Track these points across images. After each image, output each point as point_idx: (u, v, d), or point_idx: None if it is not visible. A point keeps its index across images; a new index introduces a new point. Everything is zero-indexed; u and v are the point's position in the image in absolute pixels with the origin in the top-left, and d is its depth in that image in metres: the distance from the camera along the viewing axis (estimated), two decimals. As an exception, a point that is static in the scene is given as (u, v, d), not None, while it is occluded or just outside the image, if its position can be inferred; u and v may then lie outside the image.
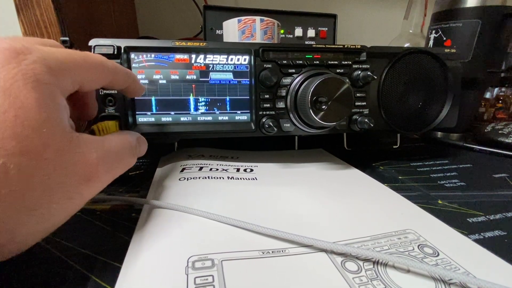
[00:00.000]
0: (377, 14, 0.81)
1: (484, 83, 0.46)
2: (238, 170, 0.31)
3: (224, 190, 0.26)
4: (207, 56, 0.29)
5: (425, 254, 0.18)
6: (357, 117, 0.32)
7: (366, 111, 0.33)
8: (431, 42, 0.48)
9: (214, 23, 0.54)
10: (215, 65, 0.30)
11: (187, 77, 0.29)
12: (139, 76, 0.28)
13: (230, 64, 0.30)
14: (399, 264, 0.17)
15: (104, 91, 0.27)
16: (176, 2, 0.69)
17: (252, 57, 0.30)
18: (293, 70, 0.31)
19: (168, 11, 0.70)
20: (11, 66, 0.13)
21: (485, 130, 0.45)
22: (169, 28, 0.70)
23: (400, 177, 0.32)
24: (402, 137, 0.43)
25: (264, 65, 0.30)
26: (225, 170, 0.30)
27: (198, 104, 0.30)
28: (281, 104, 0.31)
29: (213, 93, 0.30)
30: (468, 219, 0.23)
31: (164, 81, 0.29)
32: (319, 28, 0.58)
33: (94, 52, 0.26)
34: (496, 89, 0.55)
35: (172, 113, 0.30)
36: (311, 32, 0.58)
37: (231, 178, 0.28)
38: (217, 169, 0.30)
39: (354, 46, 0.32)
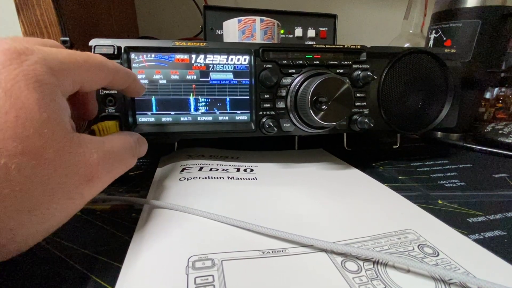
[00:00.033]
0: (377, 14, 0.82)
1: (484, 83, 0.46)
2: (238, 170, 0.31)
3: (224, 190, 0.26)
4: (207, 56, 0.29)
5: (425, 254, 0.18)
6: (357, 117, 0.32)
7: (366, 111, 0.33)
8: (431, 42, 0.48)
9: (214, 23, 0.54)
10: (215, 65, 0.30)
11: (187, 77, 0.29)
12: (139, 76, 0.28)
13: (230, 64, 0.30)
14: (399, 264, 0.17)
15: (104, 91, 0.27)
16: (176, 2, 0.69)
17: (252, 57, 0.30)
18: (293, 70, 0.31)
19: (168, 11, 0.70)
20: (13, 67, 0.13)
21: (485, 130, 0.45)
22: (169, 28, 0.71)
23: (400, 177, 0.32)
24: (402, 137, 0.43)
25: (264, 65, 0.30)
26: (225, 170, 0.30)
27: (198, 104, 0.30)
28: (281, 104, 0.31)
29: (213, 93, 0.30)
30: (468, 219, 0.23)
31: (164, 81, 0.29)
32: (319, 28, 0.58)
33: (94, 52, 0.26)
34: (496, 89, 0.55)
35: (172, 113, 0.30)
36: (311, 32, 0.58)
37: (231, 178, 0.28)
38: (217, 169, 0.30)
39: (354, 46, 0.32)
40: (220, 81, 0.30)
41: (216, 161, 0.33)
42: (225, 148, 0.39)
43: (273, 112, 0.31)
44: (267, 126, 0.30)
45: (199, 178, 0.28)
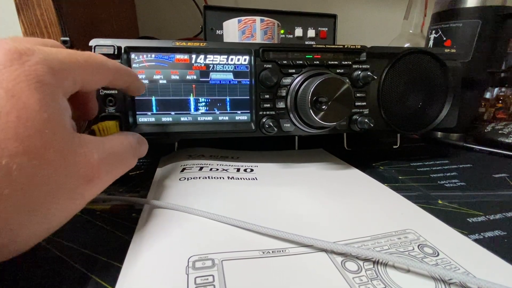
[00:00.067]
0: (377, 14, 0.81)
1: (484, 83, 0.46)
2: (238, 170, 0.31)
3: (224, 190, 0.26)
4: (207, 56, 0.29)
5: (425, 254, 0.18)
6: (357, 117, 0.32)
7: (366, 111, 0.33)
8: (431, 42, 0.48)
9: (214, 23, 0.54)
10: (215, 65, 0.30)
11: (187, 77, 0.29)
12: (139, 76, 0.28)
13: (230, 64, 0.30)
14: (399, 264, 0.17)
15: (105, 91, 0.27)
16: (176, 2, 0.69)
17: (252, 57, 0.30)
18: (293, 70, 0.31)
19: (168, 11, 0.70)
20: (14, 68, 0.13)
21: (485, 130, 0.45)
22: (169, 28, 0.70)
23: (400, 177, 0.32)
24: (402, 137, 0.43)
25: (264, 65, 0.30)
26: (225, 170, 0.30)
27: (198, 104, 0.30)
28: (281, 104, 0.31)
29: (213, 93, 0.30)
30: (468, 219, 0.23)
31: (165, 81, 0.29)
32: (319, 28, 0.58)
33: (94, 52, 0.26)
34: (496, 89, 0.55)
35: (172, 113, 0.30)
36: (311, 32, 0.58)
37: (231, 178, 0.28)
38: (217, 169, 0.30)
39: (354, 46, 0.32)
40: (220, 81, 0.30)
41: (216, 161, 0.33)
42: (225, 148, 0.39)
43: (273, 112, 0.31)
44: (267, 126, 0.30)
45: (199, 178, 0.28)
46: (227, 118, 0.31)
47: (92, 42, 0.27)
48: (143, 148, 0.23)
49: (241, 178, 0.29)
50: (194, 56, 0.29)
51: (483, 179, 0.32)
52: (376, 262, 0.17)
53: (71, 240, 0.20)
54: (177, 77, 0.29)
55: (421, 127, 0.36)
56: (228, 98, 0.31)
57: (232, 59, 0.30)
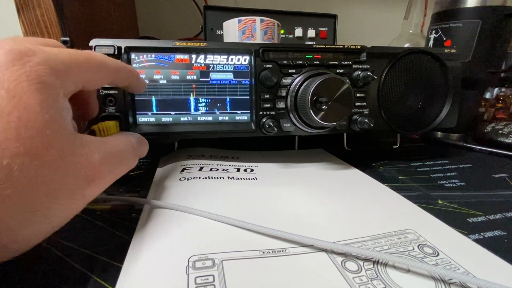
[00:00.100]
0: (377, 14, 0.82)
1: (484, 83, 0.46)
2: (238, 170, 0.31)
3: (224, 190, 0.26)
4: (208, 56, 0.30)
5: (425, 254, 0.18)
6: (357, 117, 0.32)
7: (366, 111, 0.33)
8: (431, 42, 0.48)
9: (214, 23, 0.54)
10: (215, 65, 0.30)
11: (188, 77, 0.29)
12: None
13: (231, 64, 0.30)
14: (399, 264, 0.17)
15: (105, 91, 0.27)
16: (176, 2, 0.69)
17: (252, 57, 0.30)
18: (293, 70, 0.31)
19: (168, 11, 0.70)
20: (15, 68, 0.13)
21: (485, 130, 0.45)
22: (170, 28, 0.71)
23: (400, 177, 0.32)
24: (402, 137, 0.43)
25: (264, 65, 0.30)
26: (226, 170, 0.30)
27: (199, 104, 0.30)
28: (281, 104, 0.31)
29: (214, 93, 0.30)
30: (468, 219, 0.23)
31: (165, 81, 0.29)
32: (319, 28, 0.58)
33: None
34: (496, 89, 0.55)
35: (173, 113, 0.30)
36: (311, 32, 0.58)
37: (231, 178, 0.28)
38: (218, 169, 0.30)
39: (354, 46, 0.32)
40: (220, 81, 0.30)
41: (216, 161, 0.33)
42: (225, 148, 0.39)
43: (273, 112, 0.31)
44: (267, 126, 0.30)
45: (199, 178, 0.28)
46: (227, 118, 0.31)
47: (92, 42, 0.27)
48: (143, 148, 0.23)
49: (241, 178, 0.29)
50: (194, 56, 0.29)
51: (483, 179, 0.32)
52: (376, 262, 0.17)
53: (71, 240, 0.20)
54: (177, 77, 0.29)
55: (421, 127, 0.36)
56: (228, 98, 0.31)
57: (232, 59, 0.30)
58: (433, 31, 0.47)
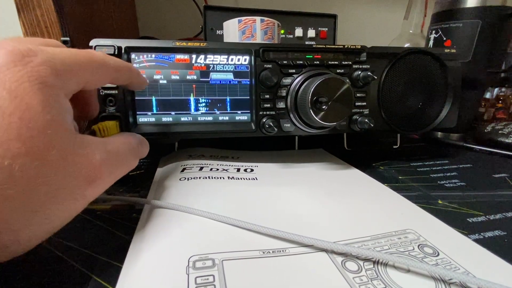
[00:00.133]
0: (377, 14, 0.82)
1: (484, 83, 0.46)
2: (238, 170, 0.31)
3: (225, 190, 0.26)
4: (208, 56, 0.30)
5: (425, 254, 0.18)
6: (357, 117, 0.32)
7: (366, 111, 0.33)
8: (431, 42, 0.48)
9: (214, 23, 0.54)
10: (215, 65, 0.30)
11: (188, 77, 0.29)
12: (139, 76, 0.28)
13: (231, 64, 0.30)
14: (399, 264, 0.17)
15: (105, 91, 0.27)
16: (177, 2, 0.69)
17: (253, 57, 0.30)
18: (294, 70, 0.31)
19: (168, 11, 0.70)
20: (17, 69, 0.13)
21: (485, 130, 0.45)
22: (170, 28, 0.71)
23: (400, 177, 0.32)
24: (402, 137, 0.43)
25: (265, 65, 0.30)
26: (226, 170, 0.30)
27: (199, 104, 0.30)
28: (281, 104, 0.31)
29: (214, 93, 0.30)
30: (468, 219, 0.23)
31: (165, 81, 0.29)
32: (319, 29, 0.58)
33: (94, 52, 0.26)
34: (496, 89, 0.55)
35: (173, 113, 0.30)
36: (311, 32, 0.58)
37: (231, 178, 0.28)
38: (218, 169, 0.30)
39: (354, 46, 0.32)
40: (220, 81, 0.30)
41: (217, 161, 0.33)
42: (226, 148, 0.39)
43: (273, 112, 0.31)
44: (267, 126, 0.30)
45: (200, 178, 0.28)
46: (227, 118, 0.31)
47: (93, 42, 0.27)
48: (144, 149, 0.23)
49: (241, 178, 0.29)
50: (194, 56, 0.29)
51: (483, 179, 0.32)
52: (376, 262, 0.17)
53: (71, 240, 0.20)
54: (177, 77, 0.29)
55: (421, 127, 0.36)
56: (228, 98, 0.31)
57: (232, 59, 0.30)
58: (433, 31, 0.47)
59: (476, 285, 0.15)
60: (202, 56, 0.29)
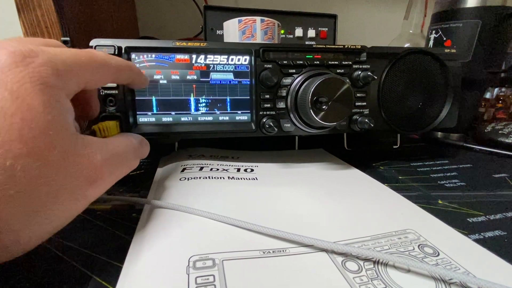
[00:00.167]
0: (377, 14, 0.82)
1: (484, 83, 0.46)
2: (238, 170, 0.31)
3: (225, 190, 0.26)
4: (208, 56, 0.30)
5: (425, 254, 0.18)
6: (358, 117, 0.32)
7: (366, 111, 0.33)
8: (431, 42, 0.48)
9: (214, 23, 0.54)
10: (215, 65, 0.30)
11: (188, 77, 0.29)
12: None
13: (231, 64, 0.30)
14: (399, 264, 0.17)
15: (105, 91, 0.27)
16: (176, 2, 0.69)
17: (253, 57, 0.30)
18: (294, 70, 0.31)
19: (169, 11, 0.70)
20: (19, 70, 0.13)
21: (485, 130, 0.45)
22: (170, 28, 0.71)
23: (400, 177, 0.32)
24: (402, 137, 0.43)
25: (265, 65, 0.30)
26: (226, 170, 0.30)
27: (199, 104, 0.30)
28: (281, 104, 0.31)
29: (214, 93, 0.30)
30: (468, 219, 0.23)
31: (165, 81, 0.29)
32: (319, 29, 0.58)
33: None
34: (496, 89, 0.55)
35: (173, 113, 0.30)
36: (311, 32, 0.58)
37: (231, 178, 0.28)
38: (218, 169, 0.30)
39: (354, 46, 0.32)
40: (220, 81, 0.30)
41: (217, 161, 0.33)
42: (226, 148, 0.39)
43: (274, 112, 0.31)
44: (267, 126, 0.30)
45: (200, 178, 0.28)
46: (227, 118, 0.31)
47: (93, 42, 0.27)
48: (144, 149, 0.23)
49: (241, 178, 0.29)
50: (194, 56, 0.29)
51: (483, 179, 0.32)
52: (376, 262, 0.17)
53: (72, 240, 0.20)
54: (178, 77, 0.29)
55: (421, 127, 0.36)
56: (228, 98, 0.31)
57: (232, 59, 0.30)
58: (433, 31, 0.47)
59: (477, 285, 0.15)
60: (202, 56, 0.29)
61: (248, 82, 0.31)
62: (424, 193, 0.28)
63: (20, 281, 0.16)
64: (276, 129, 0.30)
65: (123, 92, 0.27)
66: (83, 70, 0.17)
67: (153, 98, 0.29)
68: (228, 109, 0.31)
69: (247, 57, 0.30)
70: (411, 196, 0.27)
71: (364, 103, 0.33)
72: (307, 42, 0.58)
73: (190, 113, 0.30)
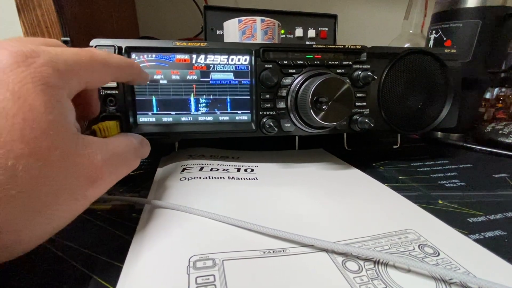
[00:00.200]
0: (377, 14, 0.82)
1: (484, 83, 0.46)
2: (238, 170, 0.31)
3: (225, 190, 0.26)
4: (208, 56, 0.30)
5: (425, 254, 0.18)
6: (358, 117, 0.32)
7: (366, 111, 0.33)
8: (431, 42, 0.48)
9: (214, 23, 0.54)
10: (215, 65, 0.30)
11: (188, 77, 0.29)
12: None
13: (231, 64, 0.30)
14: (399, 264, 0.17)
15: (105, 91, 0.27)
16: (177, 2, 0.69)
17: (253, 57, 0.30)
18: (294, 70, 0.31)
19: (169, 11, 0.70)
20: (20, 70, 0.13)
21: (485, 130, 0.45)
22: (170, 28, 0.71)
23: (400, 177, 0.32)
24: (402, 137, 0.43)
25: (265, 65, 0.30)
26: (226, 170, 0.30)
27: (199, 104, 0.30)
28: (281, 104, 0.31)
29: (214, 93, 0.30)
30: (468, 219, 0.23)
31: (165, 81, 0.29)
32: (319, 29, 0.58)
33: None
34: (496, 89, 0.55)
35: (173, 113, 0.30)
36: (311, 32, 0.58)
37: (231, 178, 0.28)
38: (218, 169, 0.30)
39: (354, 46, 0.32)
40: (220, 81, 0.30)
41: (217, 161, 0.33)
42: (226, 148, 0.39)
43: (274, 112, 0.31)
44: (267, 126, 0.30)
45: (200, 178, 0.28)
46: (227, 118, 0.31)
47: (93, 42, 0.27)
48: (145, 149, 0.23)
49: (241, 178, 0.29)
50: (194, 56, 0.29)
51: (483, 179, 0.32)
52: (376, 262, 0.17)
53: (72, 240, 0.20)
54: (178, 77, 0.29)
55: (422, 127, 0.36)
56: (228, 98, 0.31)
57: (232, 59, 0.30)
58: (433, 31, 0.47)
59: (477, 285, 0.15)
60: (202, 56, 0.29)
61: (248, 82, 0.31)
62: (424, 193, 0.28)
63: (20, 281, 0.16)
64: (276, 129, 0.30)
65: (123, 92, 0.27)
66: (84, 70, 0.17)
67: (153, 98, 0.29)
68: (228, 109, 0.31)
69: (247, 57, 0.30)
70: (411, 196, 0.27)
71: (364, 103, 0.33)
72: (307, 42, 0.58)
73: (190, 113, 0.30)
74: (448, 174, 0.34)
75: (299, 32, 0.57)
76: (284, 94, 0.31)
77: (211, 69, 0.30)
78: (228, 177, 0.28)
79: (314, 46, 0.32)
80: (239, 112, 0.31)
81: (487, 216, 0.24)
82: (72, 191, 0.15)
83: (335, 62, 0.32)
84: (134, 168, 0.21)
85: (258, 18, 0.36)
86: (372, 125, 0.31)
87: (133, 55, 0.28)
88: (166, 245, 0.18)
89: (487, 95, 0.55)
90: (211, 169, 0.30)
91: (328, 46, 0.32)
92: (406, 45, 0.62)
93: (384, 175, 0.33)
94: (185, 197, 0.24)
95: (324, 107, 0.28)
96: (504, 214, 0.24)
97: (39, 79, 0.13)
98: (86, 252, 0.18)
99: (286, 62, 0.30)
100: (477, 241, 0.20)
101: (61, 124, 0.14)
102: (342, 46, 0.32)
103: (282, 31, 0.56)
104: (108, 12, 0.50)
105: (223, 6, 0.54)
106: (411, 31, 0.65)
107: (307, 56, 0.31)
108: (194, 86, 0.30)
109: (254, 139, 0.42)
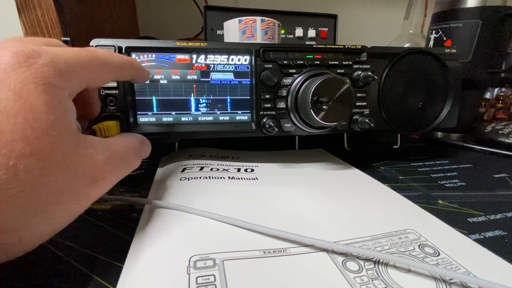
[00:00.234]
0: (377, 14, 0.82)
1: (484, 83, 0.46)
2: (238, 170, 0.31)
3: (225, 190, 0.26)
4: (208, 56, 0.30)
5: (425, 254, 0.18)
6: (358, 117, 0.32)
7: (366, 111, 0.33)
8: (431, 42, 0.48)
9: (214, 23, 0.54)
10: (216, 65, 0.30)
11: (188, 77, 0.29)
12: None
13: (231, 64, 0.30)
14: (400, 264, 0.17)
15: (105, 91, 0.27)
16: (177, 2, 0.69)
17: (253, 57, 0.30)
18: (294, 70, 0.31)
19: (169, 11, 0.70)
20: (22, 70, 0.13)
21: (485, 130, 0.45)
22: (170, 28, 0.71)
23: (400, 177, 0.32)
24: (402, 137, 0.43)
25: (265, 65, 0.30)
26: (226, 170, 0.30)
27: (199, 104, 0.30)
28: (281, 104, 0.31)
29: (214, 93, 0.30)
30: (468, 219, 0.23)
31: (165, 81, 0.29)
32: (319, 29, 0.58)
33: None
34: (496, 89, 0.55)
35: (173, 113, 0.30)
36: (311, 32, 0.58)
37: (231, 178, 0.28)
38: (218, 169, 0.30)
39: (354, 46, 0.32)
40: (220, 81, 0.30)
41: (217, 161, 0.33)
42: (226, 148, 0.39)
43: (274, 112, 0.31)
44: (267, 126, 0.30)
45: (200, 178, 0.28)
46: (227, 118, 0.31)
47: (93, 42, 0.27)
48: (146, 149, 0.23)
49: (241, 178, 0.29)
50: (194, 56, 0.29)
51: (483, 179, 0.32)
52: (377, 262, 0.17)
53: (72, 240, 0.20)
54: (178, 77, 0.29)
55: (422, 127, 0.36)
56: (228, 98, 0.31)
57: (232, 59, 0.30)
58: (433, 31, 0.47)
59: (477, 285, 0.15)
60: (202, 56, 0.29)
61: (249, 82, 0.31)
62: (424, 193, 0.28)
63: (20, 281, 0.16)
64: (276, 129, 0.30)
65: (124, 92, 0.27)
66: (85, 70, 0.17)
67: (154, 98, 0.29)
68: (229, 109, 0.31)
69: (248, 57, 0.30)
70: (411, 196, 0.27)
71: (364, 103, 0.33)
72: (307, 42, 0.58)
73: (190, 113, 0.30)
74: (448, 174, 0.34)
75: (299, 32, 0.57)
76: (284, 94, 0.31)
77: (211, 69, 0.30)
78: (228, 177, 0.28)
79: (314, 46, 0.32)
80: (239, 112, 0.31)
81: (487, 216, 0.24)
82: (73, 191, 0.15)
83: (335, 62, 0.32)
84: (135, 168, 0.21)
85: (258, 18, 0.36)
86: (372, 125, 0.31)
87: (133, 55, 0.28)
88: (166, 245, 0.18)
89: (487, 95, 0.55)
90: (211, 169, 0.30)
91: (328, 46, 0.32)
92: (406, 45, 0.62)
93: (384, 175, 0.33)
94: (185, 197, 0.24)
95: (324, 107, 0.28)
96: (504, 214, 0.24)
97: (41, 79, 0.13)
98: (86, 252, 0.18)
99: (286, 62, 0.30)
100: (477, 241, 0.20)
101: (62, 124, 0.14)
102: (342, 46, 0.32)
103: (282, 31, 0.56)
104: (108, 12, 0.50)
105: (223, 6, 0.54)
106: (411, 31, 0.65)
107: (307, 56, 0.31)
108: (194, 86, 0.30)
109: (254, 139, 0.42)
